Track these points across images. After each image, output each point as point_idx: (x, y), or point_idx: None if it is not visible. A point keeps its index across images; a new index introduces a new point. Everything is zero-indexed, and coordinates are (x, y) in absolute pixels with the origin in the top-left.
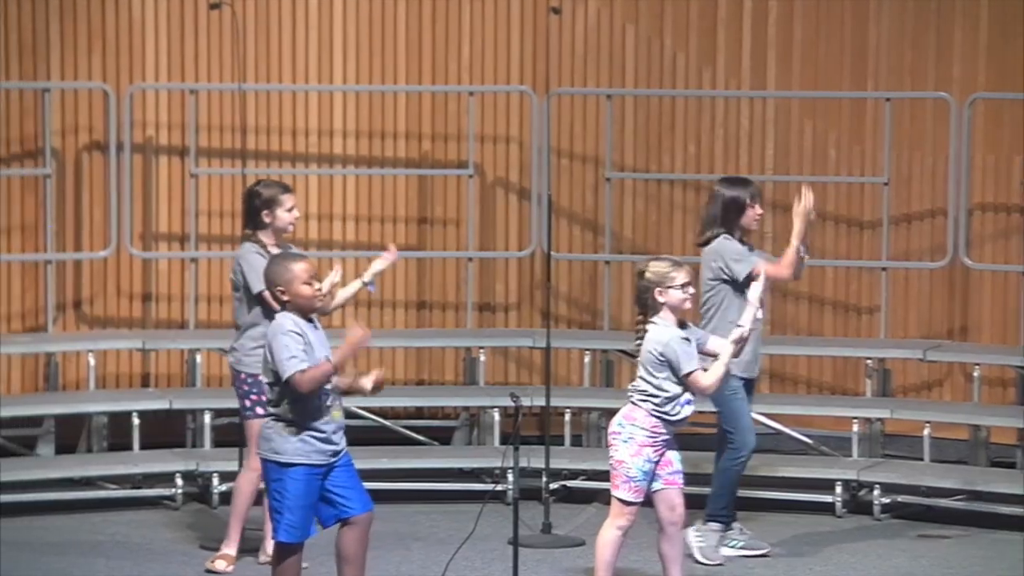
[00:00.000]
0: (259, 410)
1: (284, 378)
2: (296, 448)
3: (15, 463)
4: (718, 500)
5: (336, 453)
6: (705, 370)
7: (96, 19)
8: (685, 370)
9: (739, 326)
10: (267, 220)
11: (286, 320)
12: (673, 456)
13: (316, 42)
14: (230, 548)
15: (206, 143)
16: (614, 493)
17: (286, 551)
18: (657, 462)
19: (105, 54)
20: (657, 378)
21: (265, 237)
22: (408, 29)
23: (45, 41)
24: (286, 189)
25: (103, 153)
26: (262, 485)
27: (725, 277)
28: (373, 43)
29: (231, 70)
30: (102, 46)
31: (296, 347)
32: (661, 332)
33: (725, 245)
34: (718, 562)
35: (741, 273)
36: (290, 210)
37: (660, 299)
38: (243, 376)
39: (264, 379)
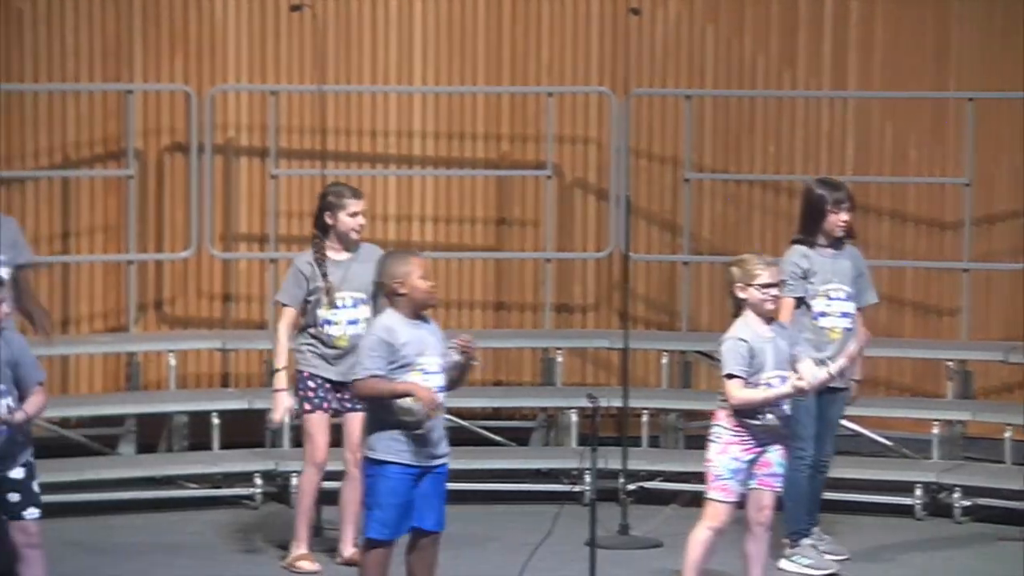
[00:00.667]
0: (307, 406)
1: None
2: (389, 446)
3: (97, 462)
4: (795, 516)
5: (433, 457)
6: (755, 385)
7: (179, 22)
8: (726, 370)
9: (799, 379)
10: (329, 222)
11: (384, 320)
12: (773, 457)
13: (396, 43)
14: (301, 547)
15: (286, 144)
16: (707, 493)
17: (374, 548)
18: (751, 461)
19: (187, 56)
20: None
21: (330, 241)
22: (488, 30)
23: (129, 44)
24: (355, 194)
25: (184, 154)
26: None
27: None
28: (453, 44)
29: (311, 71)
30: (184, 48)
31: (376, 352)
32: (731, 330)
33: (787, 255)
34: (832, 570)
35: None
36: (354, 215)
37: (741, 295)
38: (296, 374)
39: None
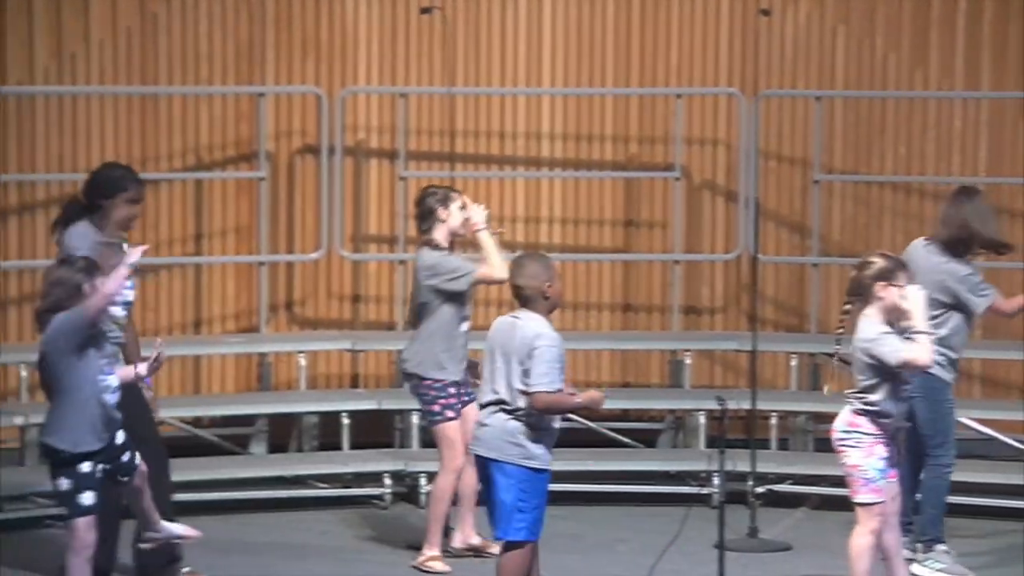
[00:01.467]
0: (449, 413)
1: (531, 390)
2: (545, 455)
3: (229, 461)
4: (935, 522)
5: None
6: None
7: (310, 25)
8: (899, 357)
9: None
10: (442, 217)
11: (549, 330)
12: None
13: (525, 45)
14: (433, 549)
15: (415, 146)
16: (856, 499)
17: (519, 549)
18: (888, 458)
19: (319, 59)
20: (867, 379)
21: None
22: (616, 32)
23: (261, 47)
24: (447, 196)
25: (315, 156)
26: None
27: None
28: (581, 46)
29: (441, 73)
30: (316, 51)
31: (559, 364)
32: (868, 328)
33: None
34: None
35: (980, 306)
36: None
37: (879, 293)
38: (428, 381)
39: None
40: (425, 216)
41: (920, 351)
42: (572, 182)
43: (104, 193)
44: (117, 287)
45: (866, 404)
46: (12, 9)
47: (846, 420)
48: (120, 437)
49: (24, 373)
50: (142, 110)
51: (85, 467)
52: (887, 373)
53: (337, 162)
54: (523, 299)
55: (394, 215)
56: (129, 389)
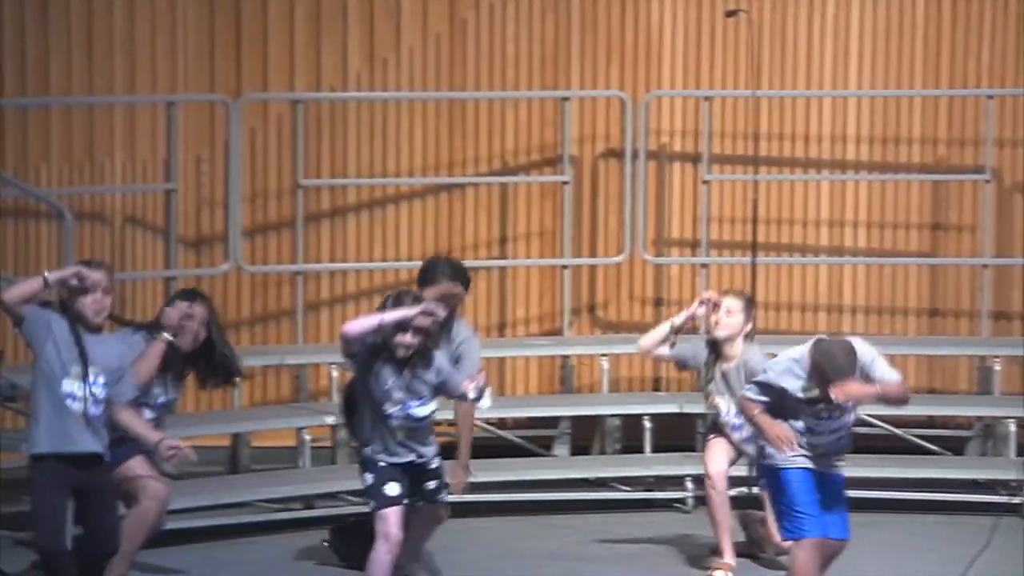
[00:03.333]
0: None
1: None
2: (773, 452)
3: (533, 463)
4: None
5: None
6: None
7: (616, 30)
8: None
9: None
10: None
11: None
12: None
13: (832, 48)
14: (724, 556)
15: (719, 149)
16: None
17: (797, 549)
18: None
19: (623, 63)
20: None
21: None
22: (926, 32)
23: (566, 52)
24: None
25: (618, 160)
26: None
27: None
28: (890, 48)
29: (745, 77)
30: (620, 56)
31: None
32: None
33: None
34: None
35: None
36: None
37: None
38: None
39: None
40: None
41: None
42: (878, 185)
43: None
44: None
45: None
46: (327, 16)
47: None
48: (431, 462)
49: (335, 374)
50: (449, 115)
51: (381, 463)
52: None
53: (640, 166)
54: None
55: (697, 219)
56: None
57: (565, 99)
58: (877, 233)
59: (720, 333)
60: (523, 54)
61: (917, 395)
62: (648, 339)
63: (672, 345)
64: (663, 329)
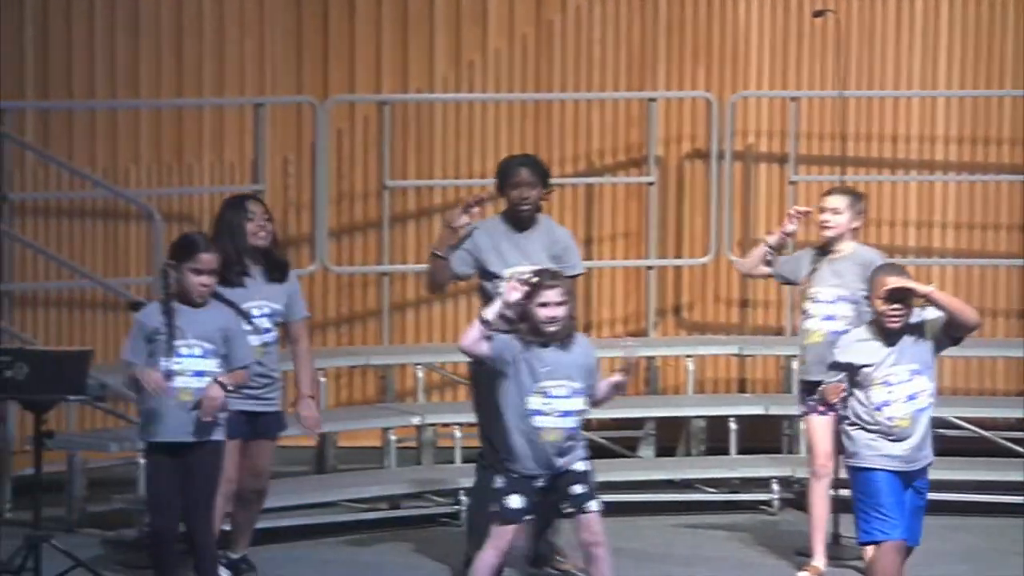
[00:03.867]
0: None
1: None
2: (865, 453)
3: (618, 464)
4: None
5: (909, 461)
6: None
7: (702, 31)
8: None
9: None
10: None
11: None
12: None
13: (920, 47)
14: (817, 560)
15: (805, 150)
16: None
17: (879, 553)
18: None
19: (710, 64)
20: None
21: None
22: (1017, 31)
23: (653, 53)
24: None
25: (704, 161)
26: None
27: None
28: (980, 46)
29: (833, 77)
30: (707, 56)
31: None
32: None
33: None
34: None
35: None
36: None
37: None
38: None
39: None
40: None
41: None
42: (967, 186)
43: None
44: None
45: None
46: (413, 19)
47: None
48: (578, 466)
49: (421, 374)
50: (535, 116)
51: (511, 472)
52: None
53: (727, 166)
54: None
55: (784, 219)
56: None
57: (651, 100)
58: (966, 234)
59: (827, 233)
60: (609, 55)
61: (1007, 398)
62: (746, 262)
63: (769, 264)
64: (760, 250)
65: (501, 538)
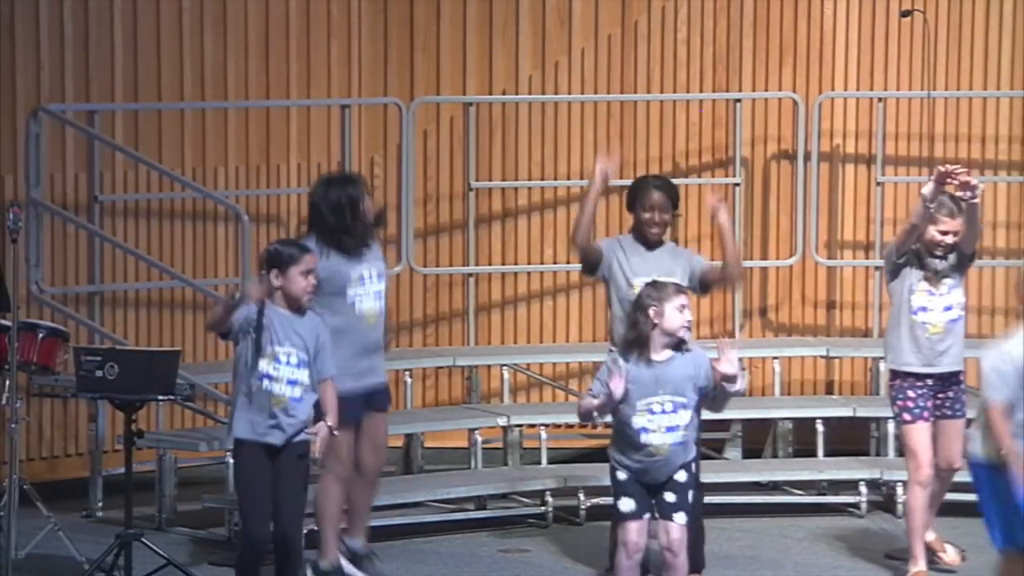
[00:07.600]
0: (905, 416)
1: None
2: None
3: (705, 465)
4: None
5: None
6: None
7: (788, 31)
8: None
9: None
10: None
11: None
12: None
13: (1010, 47)
14: (917, 564)
15: (892, 151)
16: None
17: (1004, 557)
18: None
19: (796, 64)
20: None
21: None
22: None
23: (738, 53)
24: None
25: (791, 162)
26: None
27: None
28: None
29: (920, 77)
30: (793, 57)
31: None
32: None
33: None
34: None
35: None
36: None
37: None
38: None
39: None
40: None
41: None
42: None
43: None
44: None
45: None
46: (498, 21)
47: None
48: (679, 475)
49: (506, 375)
50: (620, 117)
51: (621, 475)
52: None
53: (813, 167)
54: None
55: (870, 221)
56: None
57: (737, 100)
58: None
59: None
60: (695, 55)
61: None
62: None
63: None
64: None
65: (623, 536)
